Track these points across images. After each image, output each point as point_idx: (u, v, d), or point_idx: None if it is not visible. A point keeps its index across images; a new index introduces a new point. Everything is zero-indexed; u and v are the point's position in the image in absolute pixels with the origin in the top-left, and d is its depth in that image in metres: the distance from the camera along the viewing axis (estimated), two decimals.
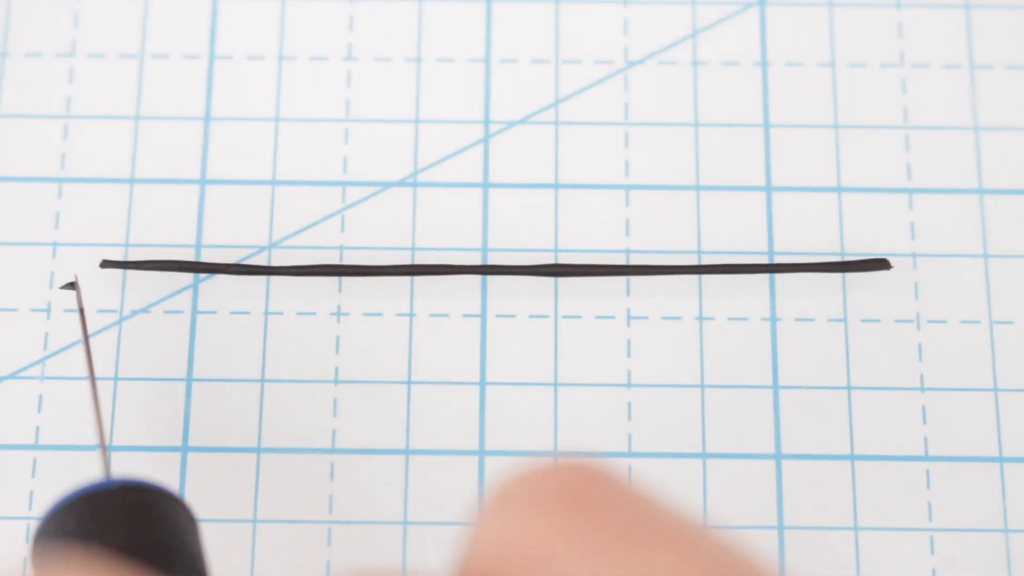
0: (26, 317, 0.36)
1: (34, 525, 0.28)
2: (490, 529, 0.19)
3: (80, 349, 0.36)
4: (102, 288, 0.36)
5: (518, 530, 0.18)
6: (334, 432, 0.35)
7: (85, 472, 0.35)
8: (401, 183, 0.37)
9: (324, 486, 0.35)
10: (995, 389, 0.36)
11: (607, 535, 0.18)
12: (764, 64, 0.39)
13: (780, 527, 0.35)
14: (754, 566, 0.18)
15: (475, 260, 0.37)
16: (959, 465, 0.35)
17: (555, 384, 0.36)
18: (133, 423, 0.35)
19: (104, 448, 0.30)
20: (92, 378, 0.32)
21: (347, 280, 0.36)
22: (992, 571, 0.34)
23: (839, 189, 0.37)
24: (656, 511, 0.18)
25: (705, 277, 0.37)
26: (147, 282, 0.36)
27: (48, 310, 0.36)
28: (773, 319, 0.36)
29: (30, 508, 0.34)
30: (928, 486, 0.35)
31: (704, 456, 0.35)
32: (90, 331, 0.36)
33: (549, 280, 0.36)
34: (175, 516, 0.27)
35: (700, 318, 0.36)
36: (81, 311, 0.34)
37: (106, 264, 0.36)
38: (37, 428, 0.35)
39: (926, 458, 0.35)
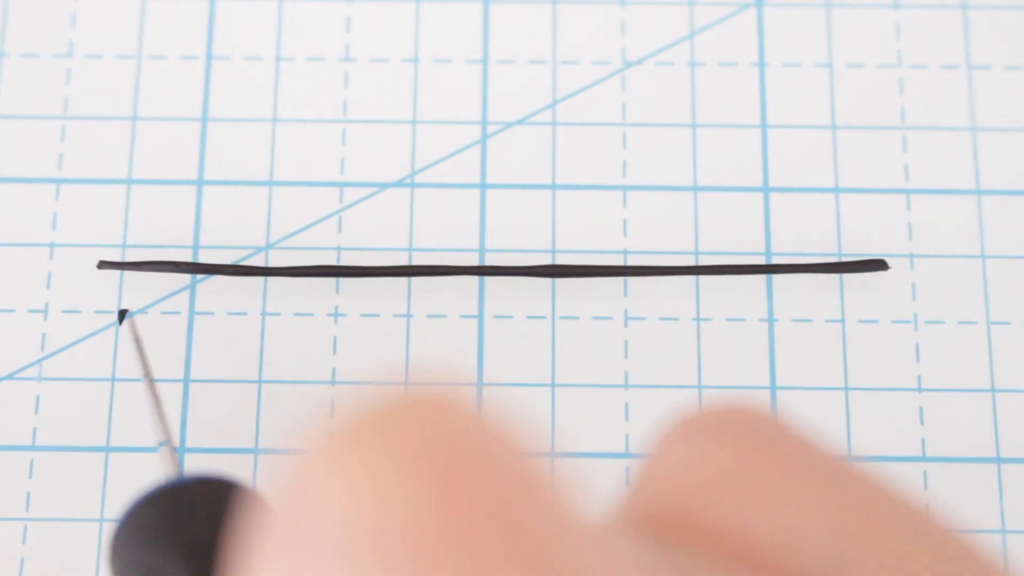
0: (23, 318, 0.36)
1: (109, 528, 0.28)
2: (667, 460, 0.17)
3: (76, 350, 0.36)
4: (99, 289, 0.36)
5: (701, 460, 0.17)
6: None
7: (83, 472, 0.35)
8: (398, 184, 0.37)
9: None
10: (992, 390, 0.36)
11: (800, 467, 0.16)
12: (761, 65, 0.39)
13: None
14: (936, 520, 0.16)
15: (472, 261, 0.37)
16: (956, 466, 0.35)
17: (552, 385, 0.36)
18: (130, 424, 0.35)
19: (172, 447, 0.31)
20: (150, 379, 0.32)
21: (344, 281, 0.36)
22: None
23: (836, 190, 0.37)
24: (832, 457, 0.17)
25: (702, 278, 0.36)
26: (144, 283, 0.36)
27: (45, 311, 0.36)
28: (771, 320, 0.36)
29: (27, 510, 0.34)
30: (925, 487, 0.35)
31: None
32: (87, 332, 0.36)
33: (546, 281, 0.36)
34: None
35: (697, 319, 0.36)
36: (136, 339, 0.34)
37: (103, 265, 0.36)
38: (34, 429, 0.35)
39: (923, 459, 0.35)
